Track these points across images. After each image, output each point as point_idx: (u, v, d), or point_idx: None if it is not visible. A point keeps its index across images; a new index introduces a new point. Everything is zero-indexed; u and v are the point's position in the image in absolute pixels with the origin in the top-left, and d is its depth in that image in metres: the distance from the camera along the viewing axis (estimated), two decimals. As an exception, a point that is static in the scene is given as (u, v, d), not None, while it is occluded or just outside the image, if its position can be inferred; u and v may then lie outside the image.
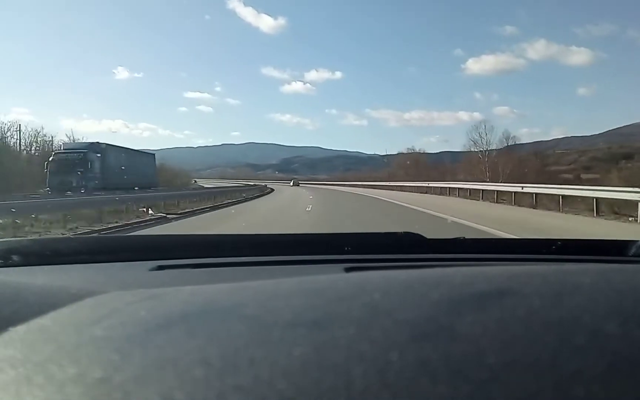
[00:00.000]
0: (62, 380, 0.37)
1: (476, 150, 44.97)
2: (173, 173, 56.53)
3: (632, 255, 1.23)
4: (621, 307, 0.49)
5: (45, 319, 0.54)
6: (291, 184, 74.95)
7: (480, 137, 45.23)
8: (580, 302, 0.51)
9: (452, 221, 13.05)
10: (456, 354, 0.37)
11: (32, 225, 8.59)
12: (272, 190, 45.30)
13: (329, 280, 0.70)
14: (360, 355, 0.37)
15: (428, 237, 1.34)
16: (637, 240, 1.24)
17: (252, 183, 68.51)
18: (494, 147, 46.19)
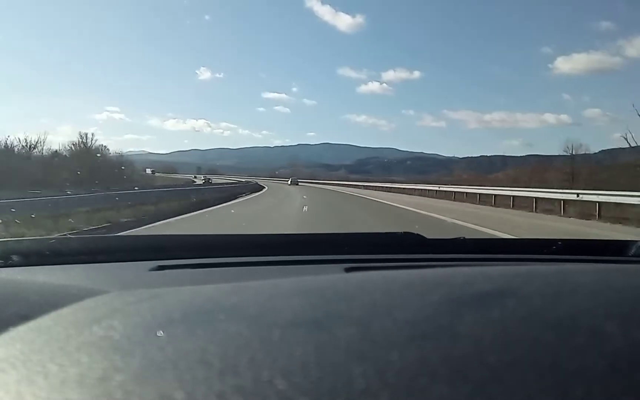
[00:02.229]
0: (62, 380, 0.37)
1: (569, 153, 36.51)
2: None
3: (632, 255, 1.23)
4: (621, 307, 0.49)
5: (45, 319, 0.54)
6: (289, 183, 66.74)
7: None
8: (580, 302, 0.51)
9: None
10: (456, 354, 0.37)
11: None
12: (257, 191, 35.32)
13: (329, 280, 0.70)
14: (360, 355, 0.37)
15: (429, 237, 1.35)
16: (637, 240, 1.25)
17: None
18: (590, 151, 38.72)
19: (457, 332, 0.41)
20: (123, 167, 48.51)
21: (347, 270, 0.98)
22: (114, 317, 0.50)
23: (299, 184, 66.84)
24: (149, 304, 0.54)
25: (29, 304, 0.62)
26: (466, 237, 1.38)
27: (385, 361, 0.36)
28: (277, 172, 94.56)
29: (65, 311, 0.57)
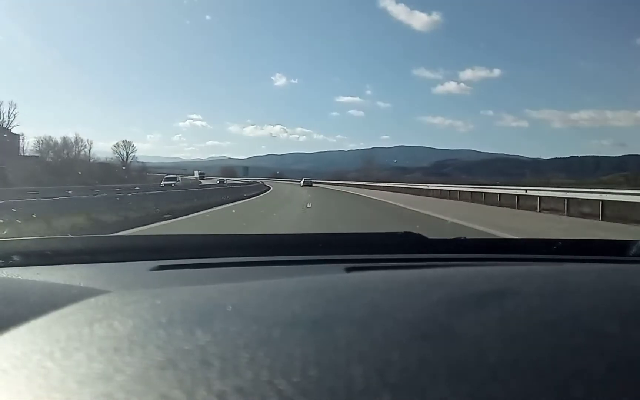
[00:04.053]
0: (62, 380, 0.37)
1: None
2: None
3: (632, 255, 1.22)
4: (621, 307, 0.49)
5: (46, 319, 0.54)
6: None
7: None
8: (580, 302, 0.51)
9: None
10: (456, 354, 0.37)
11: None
12: (260, 193, 31.11)
13: (330, 280, 0.70)
14: (360, 355, 0.37)
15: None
16: (637, 240, 1.24)
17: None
18: None
19: (457, 332, 0.41)
20: (146, 173, 56.35)
21: (348, 270, 0.98)
22: (114, 317, 0.50)
23: (312, 185, 57.92)
24: (149, 304, 0.54)
25: (29, 304, 0.62)
26: (466, 237, 1.38)
27: (385, 361, 0.36)
28: (348, 175, 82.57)
29: (65, 311, 0.57)
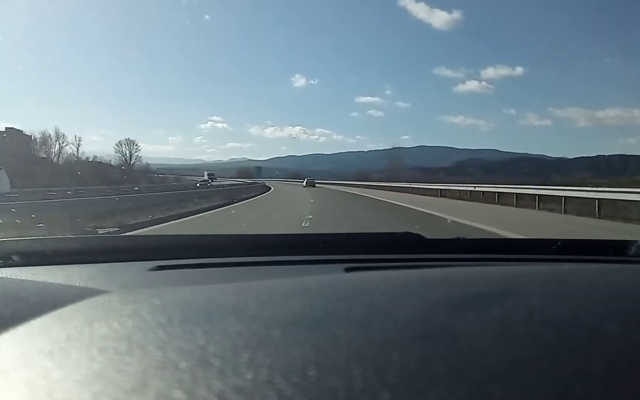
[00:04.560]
0: (62, 380, 0.37)
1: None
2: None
3: (632, 255, 1.22)
4: (621, 307, 0.49)
5: (45, 319, 0.54)
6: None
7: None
8: (580, 302, 0.51)
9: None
10: (456, 354, 0.37)
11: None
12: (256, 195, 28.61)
13: (329, 280, 0.70)
14: (360, 355, 0.37)
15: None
16: (637, 240, 1.24)
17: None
18: None
19: (457, 332, 0.41)
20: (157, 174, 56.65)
21: (347, 270, 0.98)
22: (114, 317, 0.50)
23: (315, 185, 53.47)
24: (149, 304, 0.54)
25: (29, 304, 0.62)
26: (466, 237, 1.38)
27: (385, 361, 0.36)
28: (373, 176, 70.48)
29: (64, 311, 0.57)
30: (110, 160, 64.13)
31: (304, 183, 56.12)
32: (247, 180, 78.11)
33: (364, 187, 45.94)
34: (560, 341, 0.40)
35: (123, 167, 61.69)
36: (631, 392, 0.33)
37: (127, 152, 69.41)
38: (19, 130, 52.74)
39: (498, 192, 20.05)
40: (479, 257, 1.24)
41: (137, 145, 71.76)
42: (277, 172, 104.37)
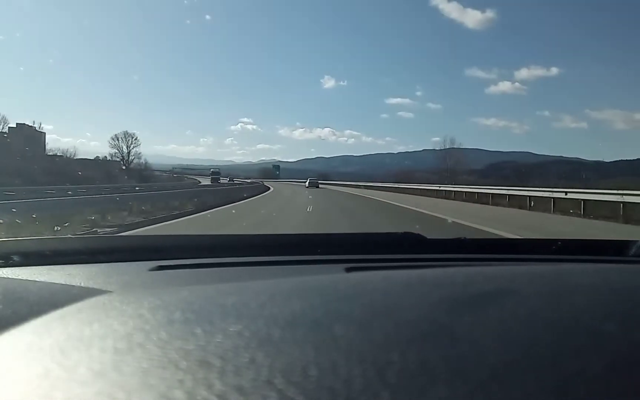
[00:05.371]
0: (62, 380, 0.37)
1: None
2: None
3: (632, 255, 1.23)
4: (621, 308, 0.49)
5: (45, 319, 0.54)
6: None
7: None
8: (580, 302, 0.51)
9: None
10: (456, 354, 0.37)
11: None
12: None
13: (329, 280, 0.70)
14: (360, 355, 0.37)
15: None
16: (637, 240, 1.24)
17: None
18: None
19: (457, 333, 0.41)
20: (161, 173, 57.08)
21: (347, 270, 0.98)
22: (114, 317, 0.50)
23: (319, 186, 49.53)
24: (149, 304, 0.54)
25: (29, 304, 0.62)
26: (466, 237, 1.38)
27: (385, 361, 0.36)
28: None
29: (65, 311, 0.57)
30: (107, 156, 61.03)
31: (307, 183, 51.06)
32: (246, 180, 78.07)
33: (401, 191, 33.62)
34: (560, 341, 0.40)
35: (124, 167, 58.03)
36: (631, 392, 0.33)
37: (125, 147, 62.22)
38: (30, 125, 51.37)
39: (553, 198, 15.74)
40: (479, 257, 1.24)
41: (136, 139, 63.44)
42: (287, 173, 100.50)
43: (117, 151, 61.89)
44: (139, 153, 64.20)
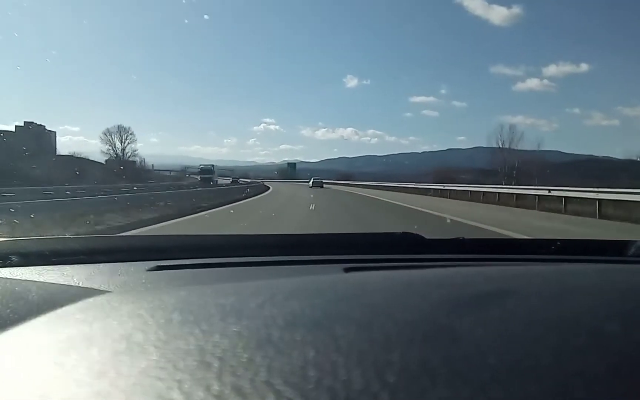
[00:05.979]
0: (62, 380, 0.37)
1: None
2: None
3: (632, 255, 1.23)
4: (621, 308, 0.49)
5: (44, 319, 0.54)
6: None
7: None
8: (581, 302, 0.51)
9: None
10: (456, 355, 0.37)
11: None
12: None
13: (329, 280, 0.70)
14: (359, 355, 0.37)
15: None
16: (637, 240, 1.24)
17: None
18: None
19: (457, 333, 0.41)
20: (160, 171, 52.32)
21: (347, 270, 0.98)
22: (113, 318, 0.50)
23: (323, 186, 46.84)
24: (148, 304, 0.54)
25: (27, 304, 0.62)
26: (466, 237, 1.38)
27: (384, 361, 0.36)
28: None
29: (63, 311, 0.57)
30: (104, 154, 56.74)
31: (310, 183, 47.72)
32: (247, 180, 77.36)
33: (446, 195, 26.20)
34: (560, 341, 0.40)
35: (122, 167, 53.98)
36: (632, 393, 0.33)
37: (120, 144, 56.87)
38: (39, 124, 50.35)
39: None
40: (479, 257, 1.24)
41: (131, 134, 58.00)
42: (309, 173, 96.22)
43: (109, 147, 57.00)
44: (135, 150, 59.17)
